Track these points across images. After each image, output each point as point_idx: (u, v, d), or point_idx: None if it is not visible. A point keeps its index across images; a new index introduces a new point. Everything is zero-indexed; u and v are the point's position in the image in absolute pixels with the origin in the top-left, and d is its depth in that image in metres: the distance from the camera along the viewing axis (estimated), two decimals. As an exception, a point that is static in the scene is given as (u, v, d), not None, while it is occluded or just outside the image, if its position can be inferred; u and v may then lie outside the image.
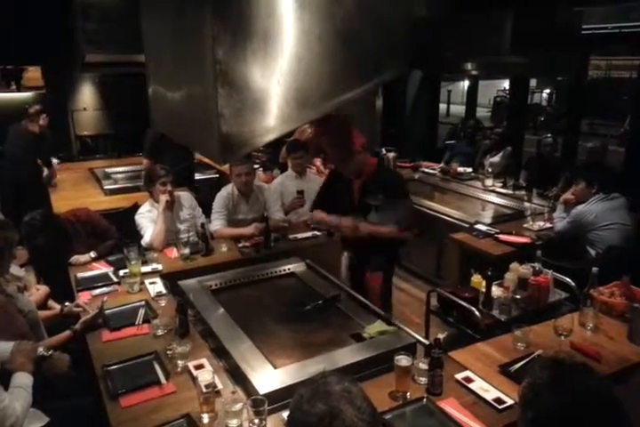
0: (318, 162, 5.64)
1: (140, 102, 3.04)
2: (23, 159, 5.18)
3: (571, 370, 1.25)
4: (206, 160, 5.68)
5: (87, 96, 7.56)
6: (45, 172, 5.24)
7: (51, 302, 2.91)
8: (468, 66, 2.88)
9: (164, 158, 4.79)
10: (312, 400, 1.11)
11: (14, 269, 2.77)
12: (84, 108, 7.53)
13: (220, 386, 1.96)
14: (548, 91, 16.87)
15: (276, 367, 2.06)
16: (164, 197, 3.49)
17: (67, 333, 2.39)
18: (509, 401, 1.86)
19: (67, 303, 2.68)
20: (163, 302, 2.66)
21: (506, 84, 14.68)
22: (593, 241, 3.55)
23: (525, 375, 1.30)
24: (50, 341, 2.39)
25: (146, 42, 2.58)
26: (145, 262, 3.08)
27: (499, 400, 1.88)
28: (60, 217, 3.41)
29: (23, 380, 1.93)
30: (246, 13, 1.67)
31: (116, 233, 3.58)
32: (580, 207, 3.61)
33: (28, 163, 5.17)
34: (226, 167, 4.42)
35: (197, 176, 5.72)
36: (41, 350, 2.16)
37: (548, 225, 3.87)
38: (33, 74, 7.02)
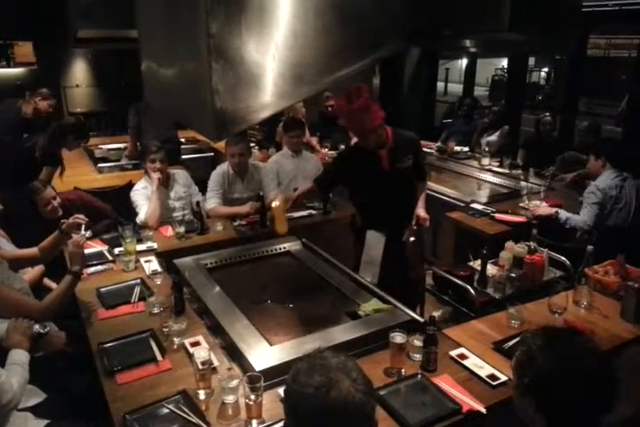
0: (314, 140, 5.60)
1: (134, 79, 2.99)
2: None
3: (560, 333, 1.36)
4: (201, 138, 5.64)
5: (80, 72, 7.44)
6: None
7: (46, 280, 2.90)
8: (467, 43, 2.83)
9: (146, 137, 4.78)
10: (309, 373, 1.14)
11: (9, 247, 2.76)
12: (77, 85, 7.41)
13: (216, 363, 1.97)
14: (546, 69, 16.72)
15: (271, 344, 2.07)
16: (155, 175, 3.47)
17: (68, 278, 2.33)
18: (503, 378, 1.88)
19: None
20: (158, 281, 2.66)
21: (504, 62, 14.54)
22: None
23: (518, 347, 1.35)
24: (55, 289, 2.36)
25: (139, 16, 2.52)
26: (140, 241, 3.07)
27: (492, 377, 1.90)
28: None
29: (20, 357, 1.93)
30: (241, -15, 1.63)
31: (113, 212, 3.55)
32: (599, 185, 3.43)
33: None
34: (221, 145, 4.39)
35: (192, 155, 5.69)
36: (37, 327, 2.16)
37: (544, 204, 3.86)
38: (24, 49, 6.89)
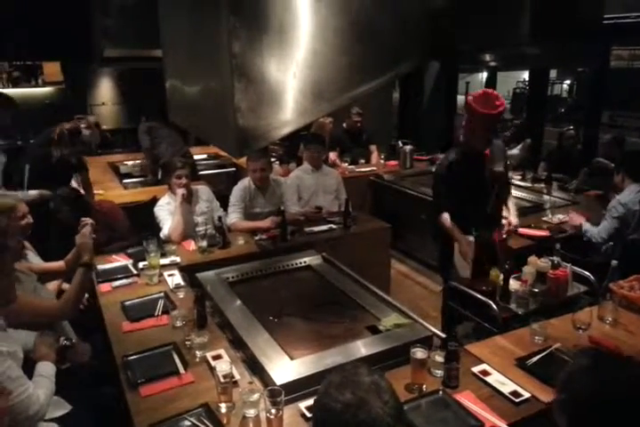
0: (333, 155, 5.64)
1: (159, 97, 3.06)
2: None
3: (608, 359, 1.31)
4: (223, 153, 5.72)
5: (106, 91, 7.64)
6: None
7: (64, 286, 2.93)
8: (487, 57, 2.85)
9: (162, 156, 4.86)
10: (340, 388, 1.13)
11: (35, 259, 2.83)
12: (103, 103, 7.61)
13: (237, 376, 1.99)
14: (568, 82, 16.56)
15: (292, 359, 2.08)
16: (179, 191, 3.53)
17: (80, 270, 2.38)
18: (526, 395, 1.86)
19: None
20: (181, 294, 2.70)
21: (525, 75, 14.44)
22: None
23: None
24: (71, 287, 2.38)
25: (163, 36, 2.60)
26: (164, 255, 3.11)
27: (515, 394, 1.87)
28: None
29: (46, 369, 1.98)
30: (262, 7, 1.68)
31: (133, 236, 3.56)
32: (622, 199, 3.35)
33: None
34: (242, 160, 4.45)
35: (214, 170, 5.78)
36: (63, 340, 2.21)
37: (568, 218, 3.81)
38: (52, 69, 7.11)
